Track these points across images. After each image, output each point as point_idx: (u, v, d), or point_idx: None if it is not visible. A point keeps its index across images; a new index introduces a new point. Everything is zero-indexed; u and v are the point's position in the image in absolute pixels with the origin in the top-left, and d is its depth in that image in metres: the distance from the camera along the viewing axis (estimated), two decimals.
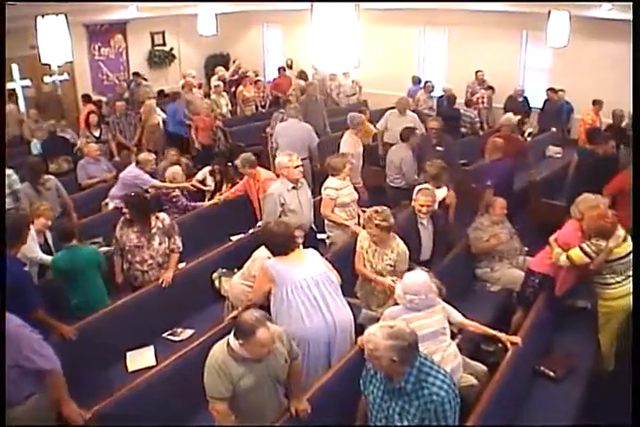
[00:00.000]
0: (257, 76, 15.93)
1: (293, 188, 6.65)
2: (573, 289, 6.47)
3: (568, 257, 5.51)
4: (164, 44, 17.34)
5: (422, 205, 6.01)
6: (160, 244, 6.08)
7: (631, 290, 5.40)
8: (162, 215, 6.24)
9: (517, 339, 4.95)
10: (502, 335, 4.98)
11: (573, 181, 7.83)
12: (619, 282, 5.50)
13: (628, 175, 7.15)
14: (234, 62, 17.04)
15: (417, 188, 6.53)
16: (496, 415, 4.30)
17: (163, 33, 17.16)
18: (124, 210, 6.23)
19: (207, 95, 13.63)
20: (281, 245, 4.86)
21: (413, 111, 10.79)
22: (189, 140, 11.60)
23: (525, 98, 13.51)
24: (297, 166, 6.62)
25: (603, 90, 12.49)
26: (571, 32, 11.05)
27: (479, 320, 5.98)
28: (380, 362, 3.40)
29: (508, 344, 4.88)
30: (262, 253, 5.29)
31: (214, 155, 10.01)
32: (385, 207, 5.60)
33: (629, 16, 12.04)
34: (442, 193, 7.11)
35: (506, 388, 4.50)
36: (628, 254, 5.44)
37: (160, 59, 17.17)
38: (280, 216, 6.49)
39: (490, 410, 4.15)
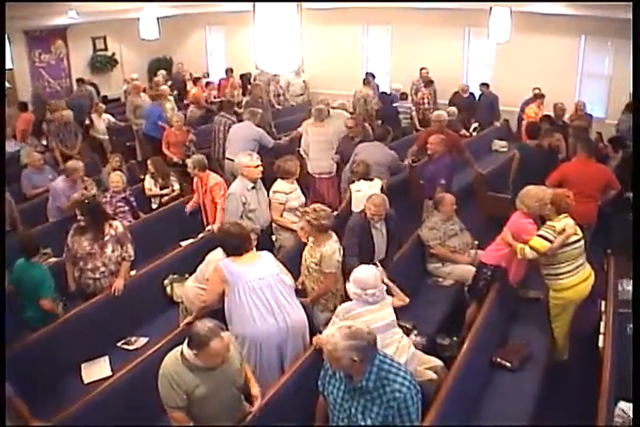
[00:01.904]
0: (207, 77, 15.84)
1: (253, 187, 6.69)
2: (525, 280, 6.61)
3: (532, 248, 5.48)
4: (106, 49, 17.14)
5: (374, 215, 6.07)
6: (113, 251, 6.00)
7: (582, 279, 5.55)
8: (115, 223, 6.15)
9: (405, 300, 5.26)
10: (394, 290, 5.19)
11: (517, 175, 7.96)
12: (569, 271, 5.55)
13: (570, 166, 7.34)
14: (179, 65, 16.89)
15: (355, 184, 6.89)
16: (456, 409, 4.37)
17: (104, 38, 16.96)
18: (79, 217, 6.11)
19: (153, 99, 13.44)
20: (236, 245, 4.88)
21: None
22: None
23: (472, 94, 13.70)
24: (257, 166, 6.68)
25: (546, 84, 12.75)
26: (512, 27, 11.24)
27: (434, 315, 6.09)
28: (340, 362, 3.39)
29: (398, 302, 5.09)
30: (216, 255, 5.26)
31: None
32: (325, 208, 5.62)
33: (570, 11, 12.38)
34: (377, 184, 7.24)
35: (464, 380, 4.56)
36: (580, 239, 5.54)
37: (102, 64, 16.95)
38: (242, 216, 6.52)
39: (449, 404, 4.20)
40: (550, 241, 5.41)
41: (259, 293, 4.66)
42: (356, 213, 6.39)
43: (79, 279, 6.05)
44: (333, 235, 5.59)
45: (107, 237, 5.97)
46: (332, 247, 5.39)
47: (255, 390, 4.15)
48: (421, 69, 14.21)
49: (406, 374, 3.51)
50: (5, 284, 5.60)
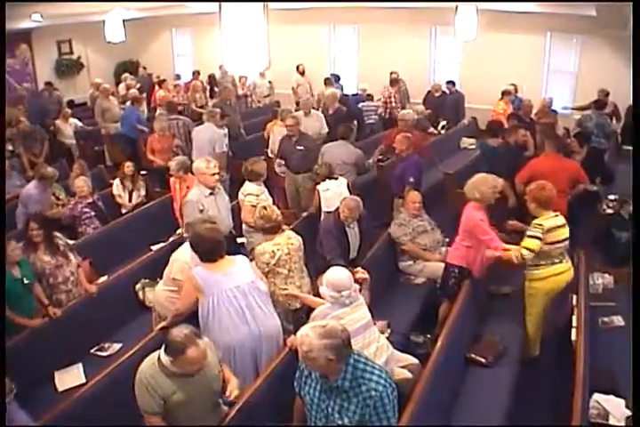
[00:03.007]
0: (179, 79, 15.75)
1: (211, 193, 6.61)
2: (497, 276, 6.66)
3: (527, 249, 5.43)
4: (72, 53, 16.98)
5: (347, 217, 6.10)
6: (74, 258, 5.96)
7: (558, 272, 5.59)
8: (55, 233, 6.01)
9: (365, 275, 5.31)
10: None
11: (484, 172, 8.02)
12: (545, 264, 5.60)
13: (538, 162, 7.41)
14: (144, 69, 16.77)
15: (321, 185, 6.86)
16: (432, 406, 4.37)
17: (69, 41, 16.81)
18: (34, 231, 5.81)
19: (132, 102, 13.32)
20: (210, 251, 4.76)
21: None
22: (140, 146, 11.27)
23: (444, 92, 13.78)
24: (214, 174, 6.57)
25: (513, 81, 12.89)
26: (479, 25, 11.33)
27: (407, 313, 6.10)
28: (316, 362, 3.37)
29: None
30: (180, 254, 5.25)
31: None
32: (273, 209, 5.63)
33: (536, 8, 12.53)
34: (343, 183, 7.29)
35: (439, 378, 4.56)
36: (565, 239, 5.57)
37: (68, 68, 16.80)
38: None
39: (425, 401, 4.20)
40: (540, 239, 5.43)
41: (233, 301, 4.59)
42: (329, 215, 6.40)
43: (51, 298, 5.80)
44: (284, 235, 5.57)
45: (61, 247, 5.88)
46: (263, 248, 5.40)
47: (233, 383, 4.13)
48: (391, 74, 14.21)
49: (381, 373, 3.51)
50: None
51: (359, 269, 5.43)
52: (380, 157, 9.33)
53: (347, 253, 6.19)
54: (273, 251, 5.40)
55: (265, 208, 5.59)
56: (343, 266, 4.88)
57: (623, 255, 6.86)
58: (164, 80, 14.91)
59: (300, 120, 9.03)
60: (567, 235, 5.59)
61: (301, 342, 3.40)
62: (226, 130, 9.45)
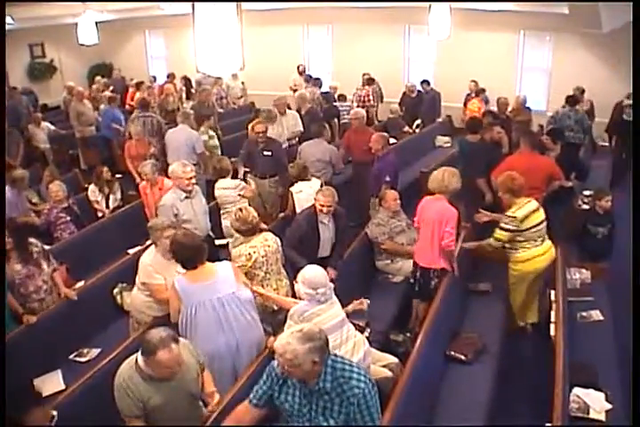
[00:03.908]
0: (154, 82, 15.66)
1: (187, 197, 6.58)
2: (475, 274, 6.70)
3: (497, 239, 5.91)
4: (44, 56, 16.82)
5: (323, 206, 6.05)
6: (48, 267, 5.87)
7: (539, 253, 5.89)
8: (32, 240, 5.93)
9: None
10: None
11: (461, 169, 8.05)
12: (528, 247, 5.91)
13: (514, 159, 7.47)
14: (119, 71, 16.66)
15: (295, 186, 6.81)
16: (414, 403, 4.38)
17: (42, 44, 16.64)
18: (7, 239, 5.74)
19: (96, 107, 13.22)
20: (190, 258, 4.70)
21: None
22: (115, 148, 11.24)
23: (419, 92, 13.83)
24: (190, 178, 6.56)
25: (487, 79, 12.97)
26: (452, 24, 11.36)
27: (386, 312, 6.11)
28: (302, 368, 3.34)
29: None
30: (144, 258, 5.24)
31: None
32: (250, 211, 5.61)
33: (509, 7, 12.61)
34: (316, 183, 7.29)
35: (420, 375, 4.57)
36: (541, 222, 5.88)
37: (41, 71, 16.65)
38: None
39: (407, 399, 4.20)
40: (511, 231, 5.79)
41: (211, 312, 4.56)
42: (306, 208, 6.39)
43: (23, 307, 5.71)
44: (260, 237, 5.55)
45: (35, 255, 5.80)
46: (239, 251, 5.38)
47: (210, 388, 4.13)
48: (364, 75, 14.23)
49: (360, 370, 3.51)
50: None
51: (329, 270, 5.50)
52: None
53: (315, 248, 6.12)
54: (249, 253, 5.36)
55: (241, 210, 5.56)
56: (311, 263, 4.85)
57: (599, 251, 6.95)
58: (142, 82, 14.83)
59: (276, 119, 9.26)
60: (543, 217, 5.93)
61: (284, 351, 3.34)
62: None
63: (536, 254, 5.92)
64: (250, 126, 9.46)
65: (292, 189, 7.35)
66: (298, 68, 15.17)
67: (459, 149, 8.44)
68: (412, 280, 6.16)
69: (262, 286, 5.37)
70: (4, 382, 3.66)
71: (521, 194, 5.94)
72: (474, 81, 13.25)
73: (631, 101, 10.43)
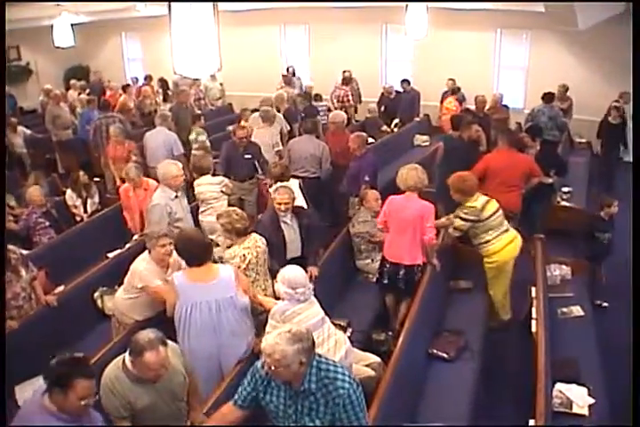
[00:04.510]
0: (136, 83, 15.59)
1: (176, 196, 6.60)
2: (456, 271, 6.72)
3: (455, 228, 6.15)
4: (20, 59, 16.66)
5: (280, 204, 6.03)
6: (26, 273, 5.77)
7: (507, 242, 6.09)
8: (10, 246, 5.82)
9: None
10: None
11: (441, 166, 8.09)
12: (494, 238, 6.09)
13: (492, 157, 7.52)
14: (95, 73, 16.55)
15: (273, 187, 6.62)
16: (397, 402, 4.39)
17: (17, 47, 16.48)
18: None
19: (73, 110, 13.12)
20: (196, 255, 4.68)
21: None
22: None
23: (398, 92, 13.85)
24: (182, 175, 6.68)
25: (465, 77, 13.03)
26: (429, 23, 11.42)
27: (367, 311, 6.12)
28: (289, 369, 3.32)
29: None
30: (139, 264, 5.18)
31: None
32: (238, 211, 5.60)
33: (486, 5, 12.66)
34: (294, 184, 7.23)
35: (402, 374, 4.58)
36: (497, 211, 6.07)
37: (16, 74, 16.46)
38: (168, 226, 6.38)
39: (390, 398, 4.21)
40: (469, 220, 6.02)
41: (205, 313, 4.55)
42: (268, 209, 6.39)
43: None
44: (251, 238, 5.53)
45: (13, 261, 5.69)
46: (233, 252, 5.36)
47: (200, 418, 4.09)
48: (344, 72, 14.25)
49: (344, 370, 3.50)
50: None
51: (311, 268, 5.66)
52: None
53: (282, 249, 6.08)
54: (244, 255, 5.35)
55: (235, 212, 5.54)
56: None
57: (604, 254, 7.07)
58: (128, 85, 14.77)
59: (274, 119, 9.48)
60: (497, 205, 6.14)
61: (272, 351, 3.32)
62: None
63: (506, 243, 6.09)
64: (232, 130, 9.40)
65: (270, 189, 7.32)
66: (287, 69, 15.09)
67: (444, 145, 8.45)
68: (385, 280, 6.14)
69: (253, 286, 5.35)
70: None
71: (472, 194, 6.08)
72: (451, 79, 13.31)
73: (619, 103, 10.43)
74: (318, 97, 12.99)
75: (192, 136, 10.17)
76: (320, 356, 3.57)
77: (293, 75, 14.99)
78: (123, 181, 8.92)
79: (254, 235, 5.59)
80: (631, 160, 10.60)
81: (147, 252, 5.27)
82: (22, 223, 7.62)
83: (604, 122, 10.60)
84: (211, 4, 5.66)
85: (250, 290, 4.95)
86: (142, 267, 5.15)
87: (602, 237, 6.91)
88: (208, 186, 7.34)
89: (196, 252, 4.70)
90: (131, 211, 7.44)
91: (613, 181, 10.60)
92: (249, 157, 8.31)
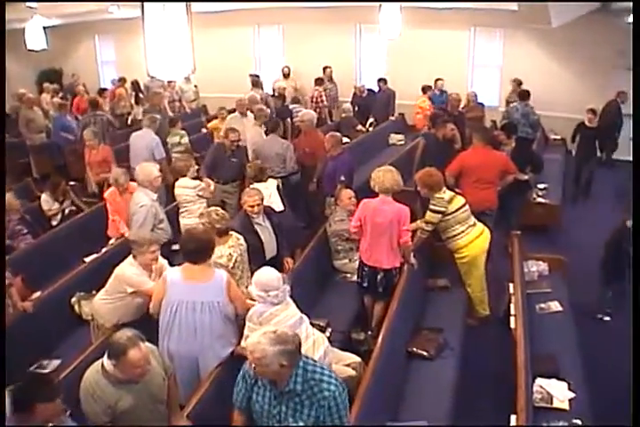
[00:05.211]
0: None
1: (156, 198, 6.62)
2: (434, 270, 6.75)
3: (426, 222, 6.17)
4: None
5: (252, 206, 6.05)
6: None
7: (476, 235, 6.18)
8: None
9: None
10: None
11: (420, 164, 8.11)
12: (463, 231, 6.16)
13: (467, 155, 7.56)
14: (72, 76, 16.39)
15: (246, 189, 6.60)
16: (379, 401, 4.41)
17: None
18: None
19: (46, 113, 12.98)
20: (194, 251, 4.66)
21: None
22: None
23: (371, 91, 13.87)
24: (160, 176, 6.71)
25: (439, 76, 13.09)
26: (403, 22, 11.44)
27: (346, 311, 6.12)
28: (269, 368, 3.34)
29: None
30: (126, 270, 5.15)
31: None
32: (220, 211, 5.61)
33: (459, 4, 12.73)
34: (272, 184, 7.28)
35: (383, 373, 4.59)
36: (463, 205, 6.16)
37: None
38: (152, 229, 6.41)
39: (371, 397, 4.23)
40: (440, 212, 6.08)
41: (188, 315, 4.55)
42: (239, 214, 6.38)
43: None
44: (233, 237, 5.53)
45: None
46: (220, 251, 5.34)
47: (183, 421, 4.08)
48: (325, 69, 14.24)
49: (330, 373, 3.52)
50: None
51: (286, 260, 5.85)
52: None
53: (261, 251, 6.08)
54: (230, 253, 5.37)
55: (216, 213, 5.52)
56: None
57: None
58: (105, 89, 14.63)
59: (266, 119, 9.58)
60: (464, 200, 6.24)
61: (253, 349, 3.34)
62: None
63: (474, 237, 6.16)
64: (222, 132, 9.31)
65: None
66: (282, 70, 14.99)
67: (424, 141, 8.47)
68: (365, 283, 6.12)
69: (237, 285, 5.33)
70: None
71: (440, 189, 6.16)
72: (440, 79, 13.32)
73: (593, 106, 10.34)
74: (295, 98, 12.98)
75: (175, 139, 10.09)
76: (307, 358, 3.58)
77: (288, 75, 14.81)
78: (101, 185, 8.90)
79: (234, 233, 5.58)
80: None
81: (131, 257, 5.24)
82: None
83: (581, 126, 10.33)
84: (184, 4, 5.64)
85: (244, 300, 4.89)
86: (131, 272, 5.12)
87: (628, 249, 6.71)
88: (184, 189, 7.30)
89: (193, 248, 4.67)
90: (120, 214, 7.31)
91: (591, 184, 10.47)
92: (235, 160, 8.33)
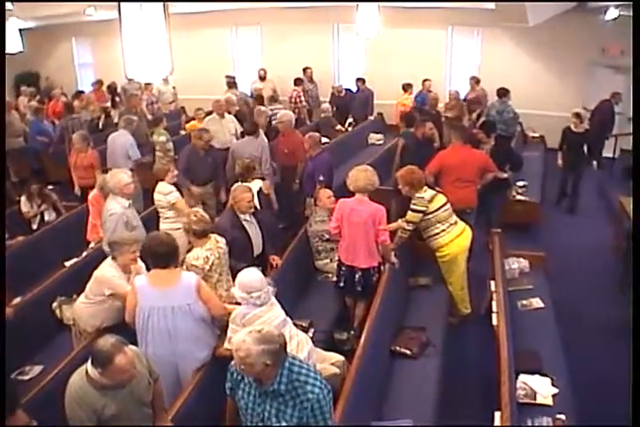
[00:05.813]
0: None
1: (129, 204, 6.49)
2: (415, 269, 6.77)
3: (407, 221, 6.22)
4: None
5: (250, 201, 6.05)
6: None
7: (457, 234, 6.20)
8: None
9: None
10: None
11: (400, 163, 8.12)
12: (444, 230, 6.19)
13: (446, 153, 7.58)
14: (47, 79, 16.27)
15: (233, 187, 6.53)
16: (363, 400, 4.41)
17: None
18: None
19: (23, 117, 12.86)
20: (161, 256, 4.62)
21: None
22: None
23: (349, 91, 13.88)
24: (132, 182, 6.54)
25: (418, 75, 13.14)
26: (381, 22, 11.47)
27: (328, 311, 6.14)
28: (253, 368, 3.33)
29: None
30: (105, 272, 5.12)
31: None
32: (201, 213, 5.57)
33: (437, 3, 12.81)
34: (256, 185, 7.21)
35: (366, 372, 4.59)
36: (445, 204, 6.19)
37: None
38: None
39: (355, 396, 4.23)
40: (421, 211, 6.12)
41: (162, 319, 4.52)
42: (225, 210, 6.35)
43: None
44: (212, 240, 5.49)
45: None
46: (196, 254, 5.32)
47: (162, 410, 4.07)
48: (305, 70, 14.24)
49: (316, 375, 3.51)
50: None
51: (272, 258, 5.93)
52: None
53: (249, 249, 6.07)
54: (206, 256, 5.32)
55: (195, 214, 5.50)
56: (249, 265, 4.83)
57: None
58: (82, 92, 14.51)
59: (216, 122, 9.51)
60: (445, 199, 6.27)
61: (238, 347, 3.34)
62: None
63: (455, 235, 6.19)
64: (193, 134, 9.23)
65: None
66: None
67: (404, 141, 8.48)
68: (342, 283, 6.12)
69: (216, 288, 5.32)
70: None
71: (421, 187, 6.19)
72: (428, 79, 13.24)
73: (579, 109, 10.05)
74: (273, 99, 12.94)
75: (162, 138, 10.00)
76: (294, 358, 3.57)
77: (264, 78, 14.64)
78: (83, 188, 8.81)
79: (214, 236, 5.55)
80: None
81: (110, 258, 5.20)
82: None
83: (567, 131, 9.75)
84: (161, 5, 5.62)
85: (218, 301, 4.87)
86: (110, 274, 5.09)
87: None
88: (157, 194, 7.10)
89: (161, 253, 4.63)
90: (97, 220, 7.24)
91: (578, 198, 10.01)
92: (209, 160, 8.30)
